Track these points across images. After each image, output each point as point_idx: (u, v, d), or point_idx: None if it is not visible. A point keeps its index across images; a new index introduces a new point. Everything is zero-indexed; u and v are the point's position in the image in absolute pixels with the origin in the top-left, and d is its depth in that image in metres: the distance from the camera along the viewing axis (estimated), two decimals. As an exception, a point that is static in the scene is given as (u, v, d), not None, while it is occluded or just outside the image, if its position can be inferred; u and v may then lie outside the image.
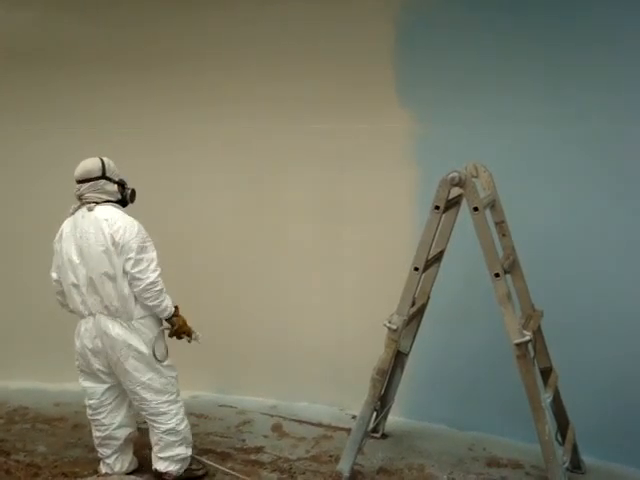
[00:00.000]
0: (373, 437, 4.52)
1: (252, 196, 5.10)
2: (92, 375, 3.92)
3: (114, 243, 3.71)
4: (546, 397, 3.77)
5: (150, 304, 3.77)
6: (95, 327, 3.81)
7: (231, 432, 4.72)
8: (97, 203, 3.83)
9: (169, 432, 3.90)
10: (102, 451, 4.01)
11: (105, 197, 3.87)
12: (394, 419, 4.71)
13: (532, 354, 3.74)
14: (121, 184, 3.95)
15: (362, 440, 4.08)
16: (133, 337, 3.79)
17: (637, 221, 4.14)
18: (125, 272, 3.72)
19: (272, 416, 4.96)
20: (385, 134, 4.71)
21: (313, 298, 5.06)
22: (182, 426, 3.94)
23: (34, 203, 5.31)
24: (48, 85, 5.14)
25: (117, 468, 3.99)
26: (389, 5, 4.52)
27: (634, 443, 4.13)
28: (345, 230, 4.94)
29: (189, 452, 4.00)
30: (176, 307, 3.91)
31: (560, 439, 4.00)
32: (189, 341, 4.00)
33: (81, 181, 3.85)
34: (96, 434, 4.00)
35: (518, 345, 3.60)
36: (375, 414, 4.27)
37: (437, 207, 3.77)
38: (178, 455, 3.95)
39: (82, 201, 3.86)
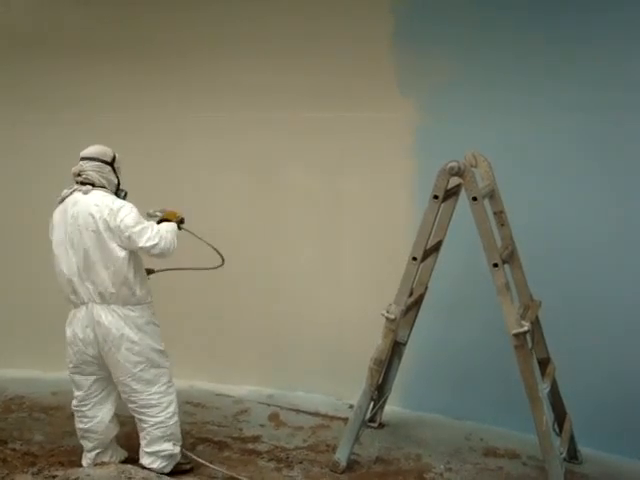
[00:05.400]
0: (370, 427, 4.52)
1: (251, 185, 5.08)
2: (82, 366, 3.85)
3: (108, 227, 3.66)
4: (544, 387, 3.77)
5: (169, 251, 3.78)
6: (87, 316, 3.76)
7: (228, 421, 4.72)
8: (94, 185, 3.76)
9: (157, 426, 3.82)
10: (83, 443, 3.96)
11: (104, 183, 3.81)
12: (391, 409, 4.71)
13: (530, 344, 3.74)
14: (119, 182, 3.90)
15: (359, 430, 4.09)
16: (126, 325, 3.74)
17: (636, 212, 4.14)
18: (127, 249, 3.70)
19: (269, 405, 4.96)
20: (385, 123, 4.70)
21: (311, 288, 5.05)
22: (171, 421, 3.86)
23: (35, 193, 5.27)
24: (53, 74, 5.11)
25: (96, 460, 3.93)
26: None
27: (631, 434, 4.15)
28: (344, 220, 4.93)
29: (177, 450, 3.90)
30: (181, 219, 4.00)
31: (557, 429, 4.01)
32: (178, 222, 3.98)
33: (89, 158, 3.79)
34: (79, 426, 3.94)
35: (516, 335, 3.59)
36: (372, 404, 4.27)
37: (436, 197, 3.76)
38: (164, 451, 3.85)
39: (80, 179, 3.77)
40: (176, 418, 3.90)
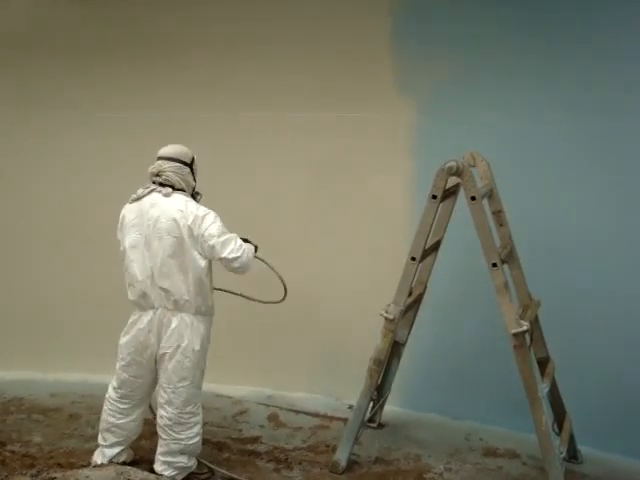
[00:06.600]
0: (370, 427, 4.51)
1: (250, 185, 5.07)
2: (133, 367, 3.77)
3: (192, 234, 3.59)
4: (543, 387, 3.77)
5: (247, 267, 3.75)
6: (153, 321, 3.67)
7: (227, 422, 4.70)
8: (173, 188, 3.67)
9: (177, 442, 3.75)
10: (106, 437, 3.89)
11: (184, 186, 3.71)
12: (391, 409, 4.69)
13: (529, 344, 3.73)
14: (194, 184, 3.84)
15: (359, 430, 4.08)
16: (189, 336, 3.67)
17: (636, 212, 4.13)
18: (207, 258, 3.65)
19: (268, 406, 4.95)
20: (383, 123, 4.70)
21: (311, 288, 5.03)
22: (192, 441, 3.78)
23: (35, 193, 5.28)
24: (53, 74, 5.09)
25: (113, 458, 3.89)
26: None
27: (631, 433, 4.14)
28: (344, 220, 4.92)
29: (191, 463, 3.84)
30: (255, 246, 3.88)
31: (557, 429, 4.00)
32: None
33: (168, 159, 3.70)
34: (108, 419, 3.85)
35: (515, 335, 3.59)
36: (372, 404, 4.27)
37: (434, 196, 3.76)
38: (178, 462, 3.79)
39: (160, 180, 3.69)
40: (198, 438, 3.82)
